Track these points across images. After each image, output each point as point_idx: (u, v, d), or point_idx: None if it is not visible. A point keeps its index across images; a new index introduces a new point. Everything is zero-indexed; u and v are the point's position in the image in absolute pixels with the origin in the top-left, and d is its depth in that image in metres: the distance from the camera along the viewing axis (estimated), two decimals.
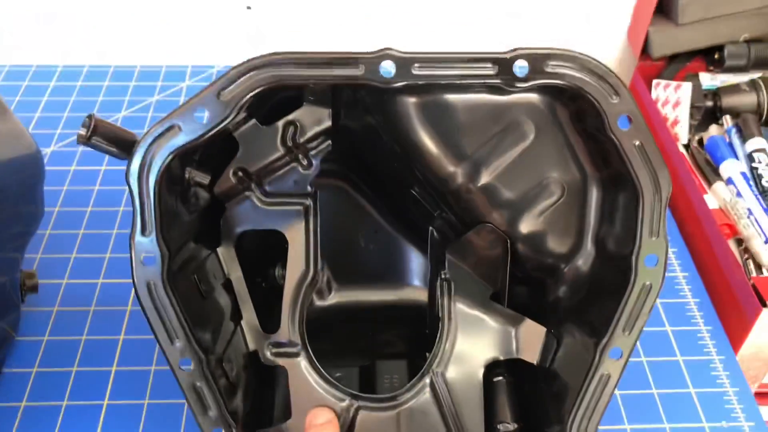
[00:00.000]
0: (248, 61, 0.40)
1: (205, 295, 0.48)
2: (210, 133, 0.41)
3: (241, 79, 0.40)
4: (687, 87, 0.84)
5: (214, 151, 0.48)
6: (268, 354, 0.51)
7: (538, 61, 0.41)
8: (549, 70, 0.41)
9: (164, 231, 0.42)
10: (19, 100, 0.90)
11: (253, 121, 0.48)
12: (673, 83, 0.86)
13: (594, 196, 0.47)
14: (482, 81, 0.41)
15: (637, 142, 0.42)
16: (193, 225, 0.48)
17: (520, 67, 0.41)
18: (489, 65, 0.41)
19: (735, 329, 0.66)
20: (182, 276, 0.45)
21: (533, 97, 0.44)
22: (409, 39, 0.94)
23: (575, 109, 0.44)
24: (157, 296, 0.42)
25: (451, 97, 0.44)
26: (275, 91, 0.41)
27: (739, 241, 0.73)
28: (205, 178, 0.47)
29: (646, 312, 0.44)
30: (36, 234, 0.62)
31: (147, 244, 0.41)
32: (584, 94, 0.41)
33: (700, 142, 0.84)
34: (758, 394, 0.64)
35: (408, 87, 0.41)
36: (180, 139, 0.40)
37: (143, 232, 0.41)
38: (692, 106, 0.84)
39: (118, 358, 0.63)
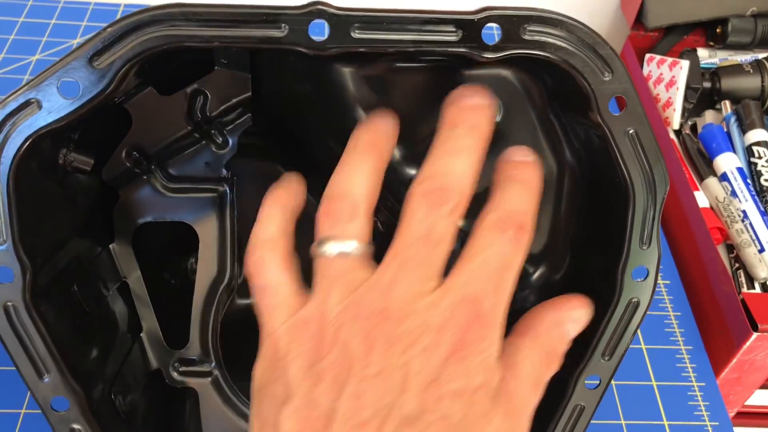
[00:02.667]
0: (130, 16, 0.30)
1: (91, 306, 0.38)
2: (81, 111, 0.30)
3: (122, 41, 0.30)
4: (684, 65, 0.74)
5: (98, 127, 0.37)
6: (174, 374, 0.42)
7: (513, 24, 0.32)
8: (527, 37, 0.32)
9: (26, 237, 0.32)
10: None
11: (150, 89, 0.38)
12: (669, 59, 0.76)
13: (571, 190, 0.38)
14: (441, 49, 0.32)
15: (631, 131, 0.34)
16: (75, 219, 0.38)
17: (491, 32, 0.32)
18: (451, 29, 0.31)
19: (719, 351, 0.58)
20: (57, 289, 0.35)
21: (504, 69, 0.35)
22: None
23: (555, 85, 0.35)
24: (17, 321, 0.33)
25: (401, 67, 0.35)
26: (173, 53, 0.31)
27: (730, 248, 0.65)
28: (87, 163, 0.37)
29: (630, 334, 0.36)
30: None
31: (1, 255, 0.32)
32: (569, 69, 0.32)
33: (694, 128, 0.75)
34: (738, 414, 0.58)
35: (345, 54, 0.32)
36: (40, 119, 0.30)
37: None
38: (687, 87, 0.74)
39: None
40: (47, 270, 0.34)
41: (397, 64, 0.35)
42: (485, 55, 0.32)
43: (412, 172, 0.39)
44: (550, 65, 0.33)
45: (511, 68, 0.35)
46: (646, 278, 0.36)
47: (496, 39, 0.32)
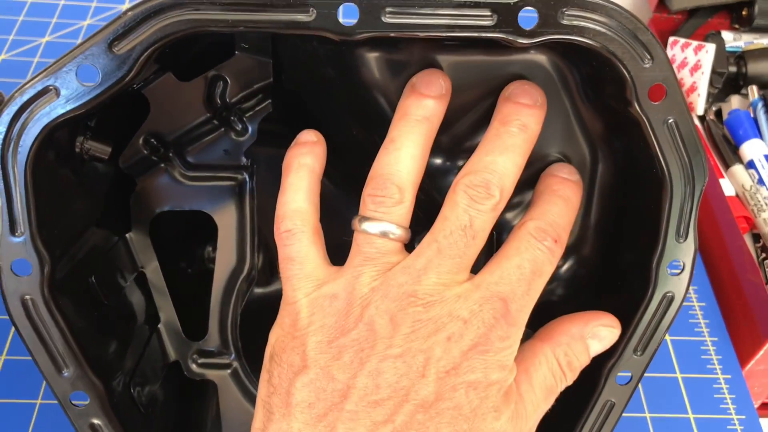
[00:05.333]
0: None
1: (109, 298, 0.37)
2: (100, 99, 0.29)
3: (142, 25, 0.29)
4: (710, 49, 0.72)
5: (116, 114, 0.36)
6: (193, 366, 0.41)
7: (551, 8, 0.30)
8: (565, 22, 0.30)
9: (44, 229, 0.31)
10: None
11: (169, 74, 0.37)
12: (694, 43, 0.74)
13: (605, 180, 0.37)
14: (476, 34, 0.30)
15: (670, 120, 0.32)
16: (92, 209, 0.37)
17: (528, 17, 0.30)
18: (486, 13, 0.30)
19: (744, 342, 0.57)
20: (74, 281, 0.34)
21: (538, 55, 0.34)
22: None
23: (591, 72, 0.34)
24: (36, 315, 0.32)
25: (431, 53, 0.34)
26: (193, 38, 0.30)
27: (757, 237, 0.63)
28: (104, 151, 0.36)
29: (663, 329, 0.35)
30: None
31: (19, 247, 0.31)
32: (608, 56, 0.31)
33: (718, 114, 0.73)
34: (762, 405, 0.57)
35: (374, 40, 0.30)
36: (58, 107, 0.29)
37: (12, 231, 0.30)
38: (713, 72, 0.72)
39: None
40: (65, 262, 0.33)
41: (427, 50, 0.34)
42: (521, 41, 0.30)
43: (437, 161, 0.38)
44: (588, 51, 0.31)
45: (545, 53, 0.34)
46: (681, 272, 0.34)
47: (534, 24, 0.30)
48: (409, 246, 0.33)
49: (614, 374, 0.36)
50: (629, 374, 0.36)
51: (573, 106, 0.35)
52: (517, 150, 0.32)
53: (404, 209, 0.32)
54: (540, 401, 0.33)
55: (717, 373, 0.56)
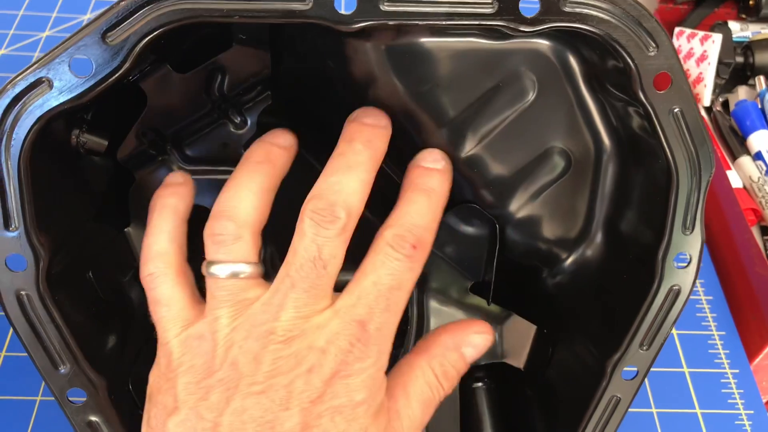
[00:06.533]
0: None
1: (106, 293, 0.37)
2: (94, 90, 0.29)
3: (135, 14, 0.28)
4: (717, 39, 0.71)
5: (112, 106, 0.36)
6: None
7: None
8: (567, 9, 0.30)
9: (39, 223, 0.30)
10: None
11: (166, 66, 0.36)
12: (700, 33, 0.73)
13: (609, 172, 0.36)
14: (476, 22, 0.30)
15: (676, 109, 0.32)
16: (89, 203, 0.37)
17: (530, 4, 0.30)
18: (487, 1, 0.29)
19: (752, 336, 0.56)
20: (71, 276, 0.34)
21: (540, 43, 0.33)
22: None
23: (594, 60, 0.33)
24: (31, 311, 0.31)
25: (431, 42, 0.33)
26: (190, 29, 0.29)
27: (764, 230, 0.62)
28: (101, 145, 0.36)
29: (670, 323, 0.35)
30: None
31: (13, 242, 0.30)
32: (611, 44, 0.30)
33: (725, 105, 0.72)
34: None
35: (373, 29, 0.30)
36: (51, 99, 0.29)
37: (6, 226, 0.30)
38: (719, 62, 0.71)
39: None
40: (61, 257, 0.33)
41: (425, 39, 0.33)
42: (523, 29, 0.30)
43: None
44: (591, 39, 0.31)
45: (547, 41, 0.33)
46: (688, 265, 0.34)
47: (535, 12, 0.30)
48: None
49: (620, 369, 0.35)
50: (635, 369, 0.35)
51: (576, 96, 0.35)
52: (362, 167, 0.32)
53: (245, 245, 0.32)
54: (417, 415, 0.33)
55: (725, 368, 0.55)
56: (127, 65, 0.29)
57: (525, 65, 0.34)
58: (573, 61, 0.34)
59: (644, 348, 0.35)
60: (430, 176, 0.34)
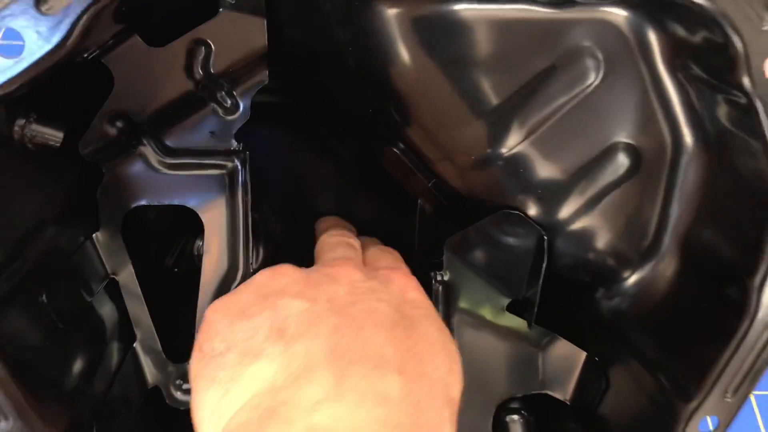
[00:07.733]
0: None
1: (66, 319, 0.30)
2: (31, 73, 0.22)
3: None
4: None
5: (68, 89, 0.29)
6: (176, 393, 0.34)
7: None
8: None
9: None
10: None
11: (135, 38, 0.29)
12: None
13: (690, 174, 0.29)
14: None
15: None
16: (45, 206, 0.30)
17: None
18: None
19: None
20: (23, 296, 0.27)
21: (613, 12, 0.26)
22: None
23: (683, 35, 0.26)
24: None
25: (470, 9, 0.26)
26: None
27: None
28: (55, 137, 0.29)
29: (763, 365, 0.28)
30: None
31: None
32: (711, 15, 0.23)
33: None
34: None
35: None
36: None
37: None
38: None
39: None
40: (10, 272, 0.26)
41: (463, 5, 0.26)
42: None
43: (475, 145, 0.30)
44: (684, 8, 0.23)
45: (624, 10, 0.26)
46: None
47: None
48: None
49: (697, 418, 0.28)
50: (716, 421, 0.28)
51: (653, 80, 0.28)
52: None
53: None
54: None
55: None
56: (73, 40, 0.22)
57: (590, 40, 0.27)
58: (654, 36, 0.26)
59: (728, 396, 0.28)
60: None
